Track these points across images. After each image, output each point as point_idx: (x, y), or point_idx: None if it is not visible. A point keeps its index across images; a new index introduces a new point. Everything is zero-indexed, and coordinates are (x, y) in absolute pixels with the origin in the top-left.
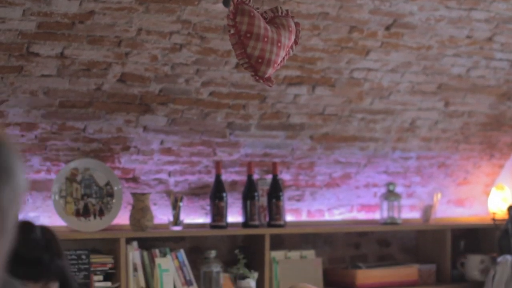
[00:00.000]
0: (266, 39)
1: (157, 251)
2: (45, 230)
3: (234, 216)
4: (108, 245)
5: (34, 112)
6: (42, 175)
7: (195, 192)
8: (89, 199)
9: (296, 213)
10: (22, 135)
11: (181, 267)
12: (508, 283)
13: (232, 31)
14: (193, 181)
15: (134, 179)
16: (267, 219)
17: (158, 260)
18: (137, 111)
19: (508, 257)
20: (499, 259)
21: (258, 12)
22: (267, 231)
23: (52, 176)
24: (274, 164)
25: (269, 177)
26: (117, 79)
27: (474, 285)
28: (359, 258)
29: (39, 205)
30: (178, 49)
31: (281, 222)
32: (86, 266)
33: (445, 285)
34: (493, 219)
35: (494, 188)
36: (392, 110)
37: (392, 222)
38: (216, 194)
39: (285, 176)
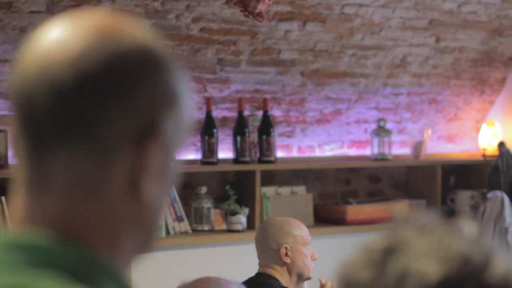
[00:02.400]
0: None
1: None
2: None
3: (225, 152)
4: None
5: None
6: None
7: None
8: None
9: (287, 149)
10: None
11: (172, 203)
12: (498, 219)
13: None
14: None
15: None
16: (258, 155)
17: None
18: None
19: (498, 192)
20: (489, 194)
21: None
22: (258, 167)
23: None
24: (265, 100)
25: (260, 113)
26: None
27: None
28: (349, 194)
29: None
30: None
31: (272, 158)
32: None
33: None
34: (483, 155)
35: (485, 124)
36: (383, 46)
37: (382, 158)
38: (206, 130)
39: (275, 112)
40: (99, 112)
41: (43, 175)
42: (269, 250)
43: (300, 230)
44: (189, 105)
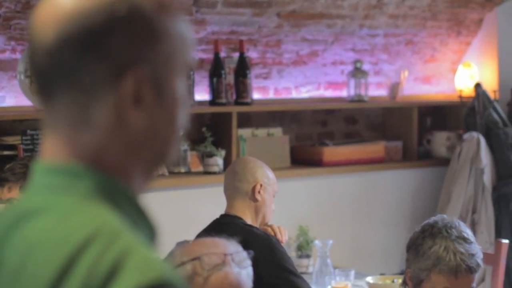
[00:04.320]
0: None
1: None
2: None
3: (201, 94)
4: None
5: None
6: (7, 55)
7: None
8: None
9: (263, 91)
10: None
11: None
12: (474, 160)
13: None
14: None
15: None
16: (234, 97)
17: None
18: None
19: (474, 134)
20: (465, 136)
21: None
22: (234, 109)
23: (17, 55)
24: (241, 42)
25: (236, 55)
26: None
27: (440, 162)
28: (326, 136)
29: (4, 85)
30: None
31: (248, 100)
32: None
33: (412, 161)
34: (460, 97)
35: (461, 66)
36: None
37: (359, 99)
38: None
39: (252, 54)
40: (78, 61)
41: (51, 117)
42: (244, 183)
43: (274, 178)
44: (180, 40)
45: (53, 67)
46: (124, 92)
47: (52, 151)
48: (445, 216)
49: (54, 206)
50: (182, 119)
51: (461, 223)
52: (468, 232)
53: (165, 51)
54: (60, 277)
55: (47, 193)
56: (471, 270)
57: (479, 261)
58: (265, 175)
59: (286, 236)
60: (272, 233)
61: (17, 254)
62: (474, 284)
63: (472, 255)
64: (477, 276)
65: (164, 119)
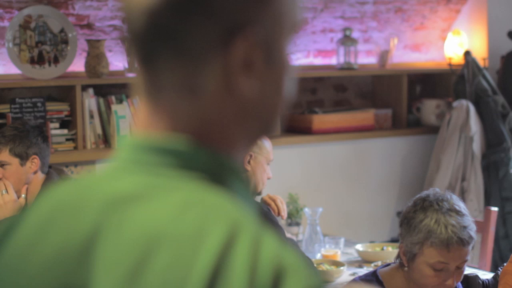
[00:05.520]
0: None
1: (113, 97)
2: None
3: None
4: (64, 92)
5: None
6: None
7: None
8: (44, 46)
9: None
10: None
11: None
12: (463, 128)
13: None
14: None
15: (89, 26)
16: None
17: (114, 107)
18: None
19: (464, 101)
20: (455, 103)
21: None
22: None
23: (6, 23)
24: None
25: None
26: None
27: (429, 130)
28: (315, 103)
29: None
30: None
31: None
32: (42, 114)
33: (401, 129)
34: (449, 64)
35: (451, 33)
36: None
37: (348, 67)
38: None
39: None
40: (184, 24)
41: (155, 84)
42: None
43: (268, 146)
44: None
45: (155, 30)
46: (235, 57)
47: (149, 123)
48: (437, 189)
49: (165, 191)
50: (289, 85)
51: (454, 196)
52: (460, 205)
53: (276, 11)
54: (213, 277)
55: (149, 174)
56: (463, 243)
57: (472, 233)
58: (257, 145)
59: (285, 214)
60: (275, 208)
61: (133, 247)
62: (468, 257)
63: (464, 227)
64: (470, 248)
65: (274, 85)
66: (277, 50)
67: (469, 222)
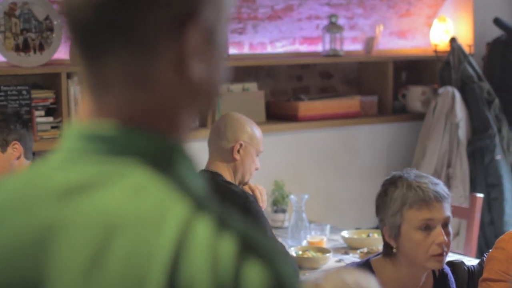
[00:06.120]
0: None
1: None
2: None
3: None
4: (49, 80)
5: None
6: None
7: None
8: (29, 33)
9: (238, 46)
10: None
11: None
12: (449, 114)
13: None
14: None
15: None
16: None
17: None
18: None
19: (449, 88)
20: (440, 90)
21: None
22: None
23: None
24: None
25: None
26: None
27: (415, 116)
28: (301, 90)
29: None
30: None
31: None
32: (27, 102)
33: (387, 116)
34: (435, 51)
35: (436, 20)
36: None
37: (334, 54)
38: None
39: None
40: (134, 15)
41: (101, 77)
42: (224, 141)
43: (259, 137)
44: None
45: (102, 22)
46: (188, 43)
47: (96, 114)
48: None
49: (115, 178)
50: (225, 69)
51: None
52: (425, 173)
53: (218, 2)
54: (174, 260)
55: (91, 162)
56: (440, 196)
57: (445, 189)
58: (248, 134)
59: (264, 204)
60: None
61: (90, 237)
62: (449, 213)
63: (436, 184)
64: (449, 206)
65: (217, 67)
66: (219, 33)
67: (439, 181)
